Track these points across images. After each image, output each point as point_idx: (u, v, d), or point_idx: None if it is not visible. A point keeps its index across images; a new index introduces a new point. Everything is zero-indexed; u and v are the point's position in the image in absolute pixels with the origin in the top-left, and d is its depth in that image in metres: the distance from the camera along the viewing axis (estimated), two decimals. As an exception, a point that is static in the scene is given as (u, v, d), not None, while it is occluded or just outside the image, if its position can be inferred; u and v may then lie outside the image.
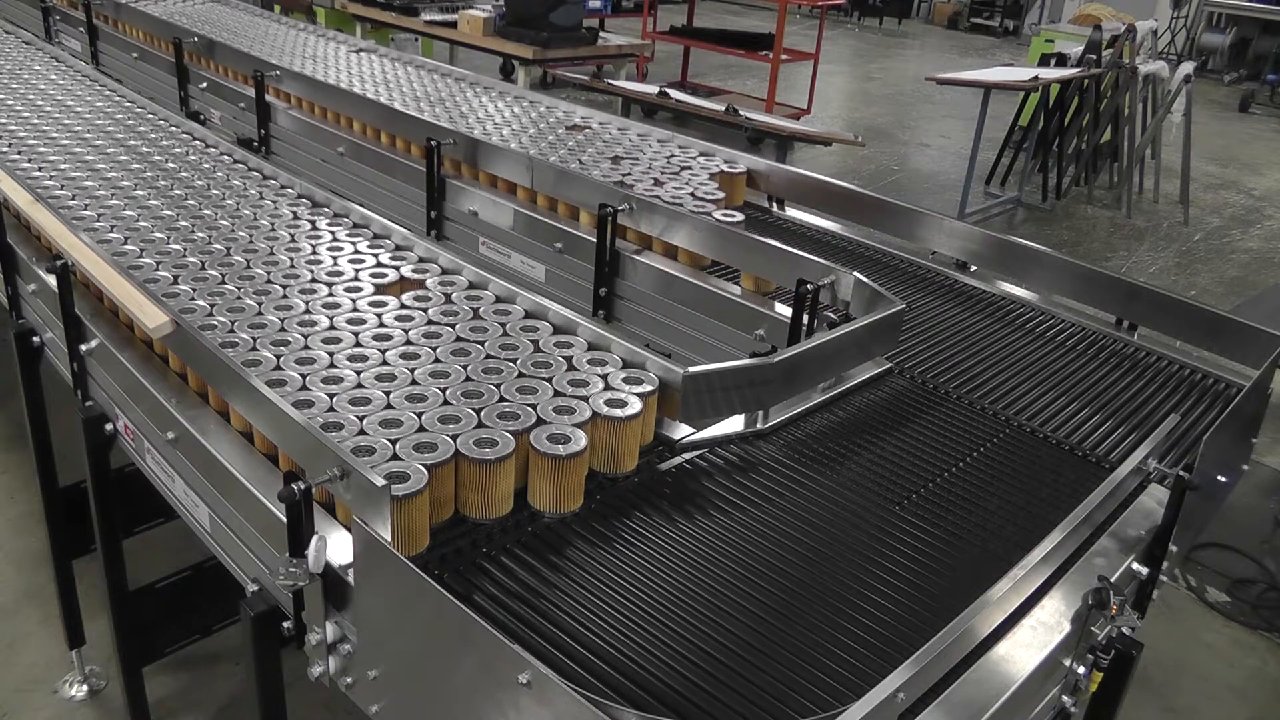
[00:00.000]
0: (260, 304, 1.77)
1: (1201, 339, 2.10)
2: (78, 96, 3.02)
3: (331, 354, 1.61)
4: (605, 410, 1.48)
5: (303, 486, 1.23)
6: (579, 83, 6.64)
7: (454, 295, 1.85)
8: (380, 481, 1.21)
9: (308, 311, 1.75)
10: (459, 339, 1.69)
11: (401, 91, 3.20)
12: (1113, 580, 1.34)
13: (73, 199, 2.19)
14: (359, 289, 1.86)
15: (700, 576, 1.32)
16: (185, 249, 1.98)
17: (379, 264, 1.97)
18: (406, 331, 1.70)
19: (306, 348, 1.63)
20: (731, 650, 1.20)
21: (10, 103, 2.87)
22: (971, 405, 1.85)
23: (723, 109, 5.67)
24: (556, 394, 1.52)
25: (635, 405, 1.49)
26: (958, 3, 17.36)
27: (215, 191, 2.31)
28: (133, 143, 2.62)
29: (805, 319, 1.83)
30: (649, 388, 1.54)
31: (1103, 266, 2.30)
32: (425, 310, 1.78)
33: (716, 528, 1.42)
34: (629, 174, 2.51)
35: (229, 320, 1.70)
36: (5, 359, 2.21)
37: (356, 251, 2.02)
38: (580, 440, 1.40)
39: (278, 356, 1.59)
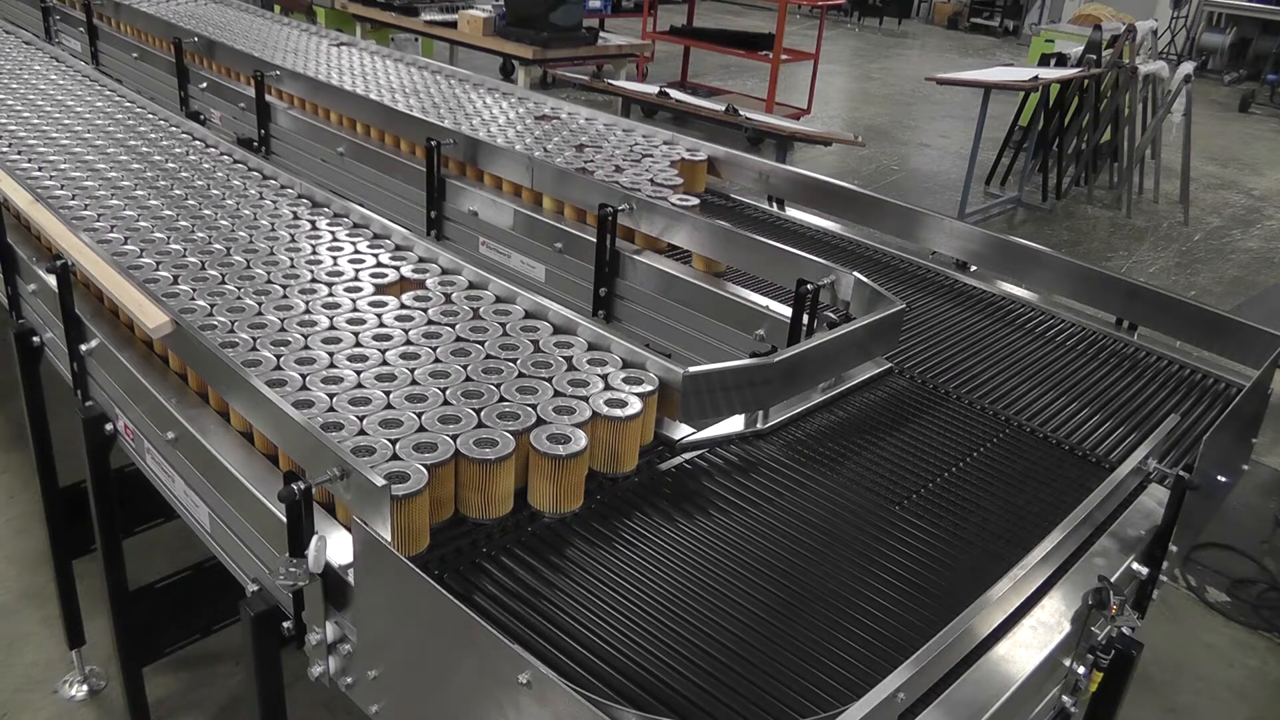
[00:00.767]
0: (260, 304, 1.76)
1: (1201, 339, 2.10)
2: (78, 96, 3.02)
3: (331, 354, 1.61)
4: (605, 410, 1.48)
5: (303, 486, 1.23)
6: (579, 83, 6.64)
7: (454, 295, 1.85)
8: (380, 481, 1.21)
9: (308, 311, 1.75)
10: (459, 339, 1.68)
11: (378, 83, 3.23)
12: (1113, 580, 1.34)
13: (72, 199, 2.19)
14: (359, 289, 1.86)
15: (700, 576, 1.32)
16: (185, 249, 1.98)
17: (379, 264, 1.97)
18: (406, 331, 1.70)
19: (307, 348, 1.63)
20: (731, 650, 1.20)
21: (10, 103, 2.87)
22: (971, 405, 1.85)
23: (723, 109, 5.67)
24: (556, 394, 1.52)
25: (635, 405, 1.49)
26: (958, 3, 17.36)
27: (215, 191, 2.31)
28: (133, 143, 2.62)
29: (805, 319, 1.83)
30: (649, 388, 1.54)
31: (1103, 266, 2.30)
32: (425, 310, 1.78)
33: (716, 528, 1.42)
34: (591, 161, 2.57)
35: (229, 320, 1.69)
36: (5, 359, 2.21)
37: (356, 251, 2.02)
38: (580, 440, 1.40)
39: (278, 356, 1.59)
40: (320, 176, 2.86)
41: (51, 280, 1.88)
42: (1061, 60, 7.53)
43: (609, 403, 1.49)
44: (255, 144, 3.10)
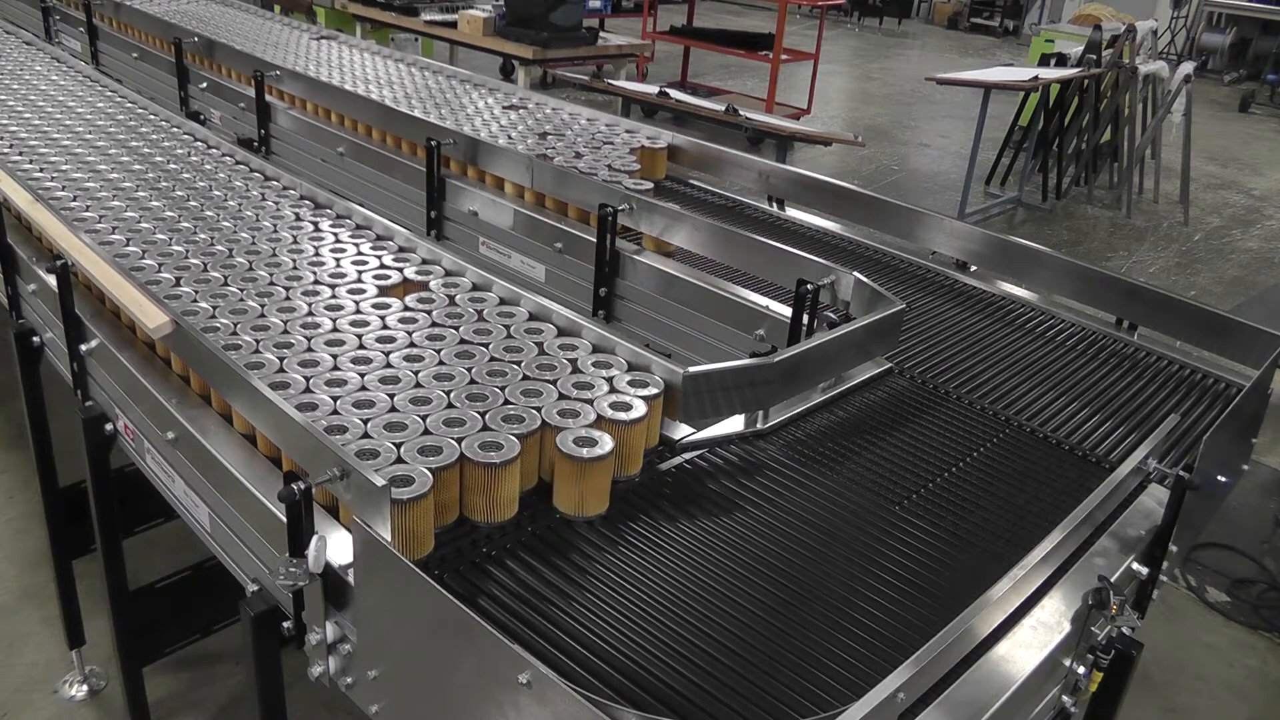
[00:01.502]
0: (263, 306, 1.76)
1: (1201, 339, 2.11)
2: (78, 97, 3.01)
3: (335, 356, 1.60)
4: (611, 414, 1.47)
5: (303, 486, 1.23)
6: (579, 83, 6.64)
7: (458, 297, 1.84)
8: (380, 481, 1.21)
9: (311, 313, 1.75)
10: (463, 341, 1.68)
11: (354, 75, 3.28)
12: (1113, 580, 1.34)
13: (74, 200, 2.19)
14: (362, 290, 1.86)
15: (700, 576, 1.32)
16: (187, 250, 1.97)
17: (382, 265, 1.96)
18: (410, 334, 1.70)
19: (310, 350, 1.62)
20: (731, 650, 1.20)
21: (11, 103, 2.87)
22: (971, 405, 1.85)
23: (723, 109, 5.67)
24: (562, 397, 1.52)
25: (641, 408, 1.49)
26: (958, 3, 17.36)
27: (217, 193, 2.31)
28: (134, 143, 2.62)
29: (805, 319, 1.83)
30: (654, 390, 1.54)
31: (1103, 266, 2.30)
32: (429, 312, 1.78)
33: (716, 528, 1.42)
34: (553, 148, 2.66)
35: (231, 322, 1.69)
36: (5, 359, 2.21)
37: (359, 253, 2.02)
38: (606, 444, 1.40)
39: (280, 359, 1.58)
40: (320, 176, 2.86)
41: (51, 280, 1.88)
42: (1061, 60, 7.53)
43: (614, 406, 1.49)
44: (255, 144, 3.10)
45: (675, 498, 1.49)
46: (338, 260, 1.98)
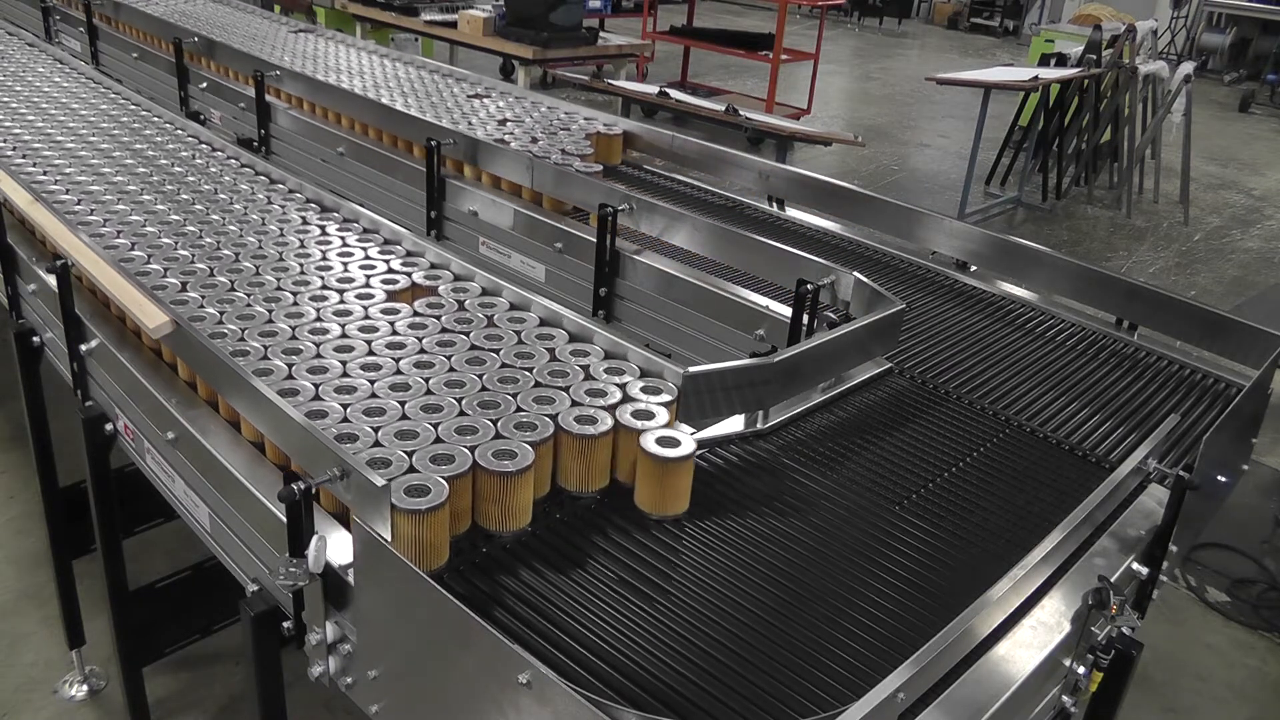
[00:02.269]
0: (270, 311, 1.75)
1: (1201, 339, 2.11)
2: (82, 99, 3.00)
3: (344, 362, 1.59)
4: (632, 423, 1.46)
5: (303, 486, 1.23)
6: (579, 83, 6.64)
7: (467, 302, 1.83)
8: (380, 481, 1.21)
9: (319, 319, 1.74)
10: (474, 347, 1.67)
11: (327, 65, 3.36)
12: (1113, 580, 1.34)
13: (78, 203, 2.18)
14: (370, 295, 1.84)
15: (700, 576, 1.32)
16: (193, 254, 1.96)
17: (390, 270, 1.95)
18: (420, 340, 1.68)
19: (319, 356, 1.61)
20: (731, 650, 1.20)
21: (14, 105, 2.86)
22: (971, 405, 1.85)
23: (723, 109, 5.67)
24: (575, 404, 1.50)
25: (663, 415, 1.49)
26: (958, 3, 17.36)
27: (223, 196, 2.30)
28: (138, 146, 2.61)
29: (805, 319, 1.83)
30: (669, 397, 1.53)
31: (1103, 266, 2.30)
32: (439, 318, 1.77)
33: (716, 528, 1.42)
34: (512, 133, 2.77)
35: (239, 328, 1.68)
36: (5, 359, 2.21)
37: (367, 257, 2.00)
38: (689, 445, 1.42)
39: (289, 366, 1.57)
40: (320, 176, 2.86)
41: (51, 280, 1.88)
42: (1061, 60, 7.53)
43: (636, 414, 1.48)
44: (255, 144, 3.10)
45: (675, 498, 1.49)
46: (345, 265, 1.96)
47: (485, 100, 3.18)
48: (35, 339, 2.14)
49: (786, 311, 1.87)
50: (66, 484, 2.35)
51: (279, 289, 1.85)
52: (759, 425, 1.68)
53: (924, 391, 1.88)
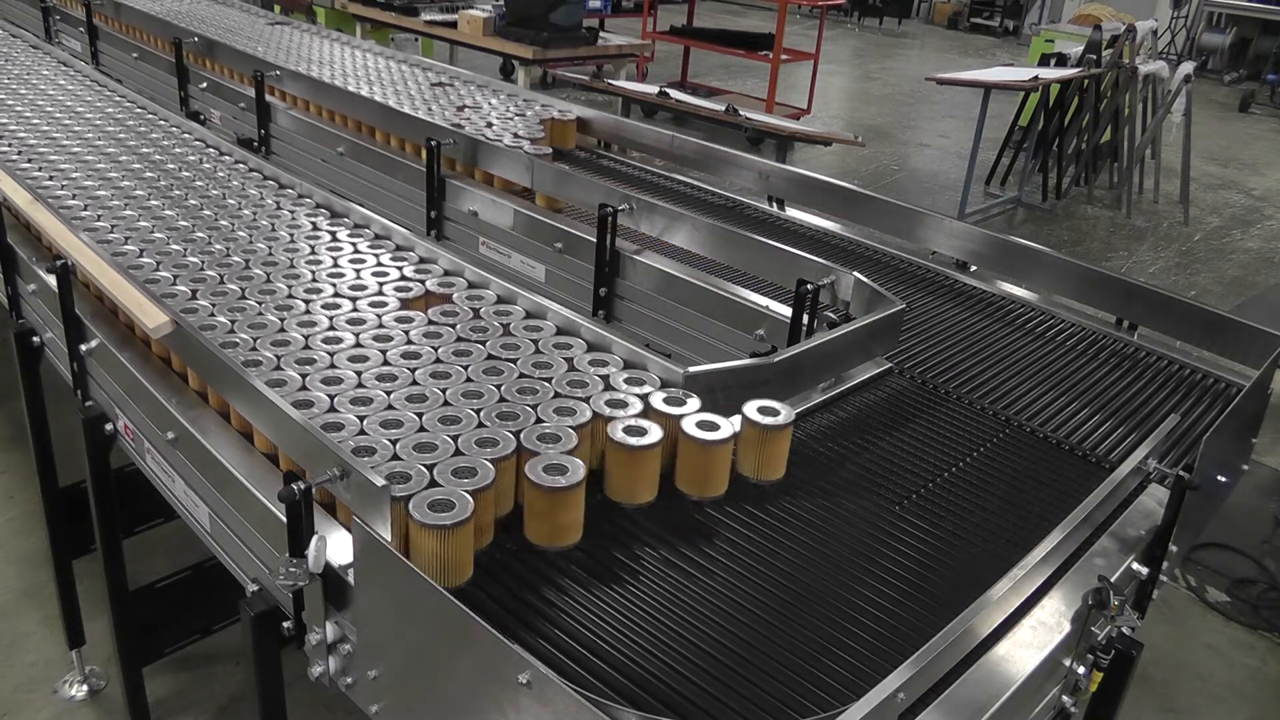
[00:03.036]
0: (282, 320, 1.72)
1: (1201, 339, 2.11)
2: (87, 102, 2.99)
3: (359, 373, 1.57)
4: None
5: (303, 486, 1.23)
6: (579, 83, 6.64)
7: (482, 310, 1.81)
8: (380, 481, 1.21)
9: (332, 328, 1.71)
10: (490, 356, 1.64)
11: (300, 55, 3.43)
12: (1113, 580, 1.34)
13: (84, 208, 2.16)
14: (384, 304, 1.82)
15: (700, 576, 1.32)
16: (203, 261, 1.94)
17: (403, 277, 1.93)
18: (436, 349, 1.66)
19: (333, 366, 1.59)
20: (731, 650, 1.20)
21: (20, 109, 2.84)
22: (971, 405, 1.85)
23: (723, 109, 5.68)
24: (596, 416, 1.47)
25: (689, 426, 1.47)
26: (958, 3, 17.36)
27: (231, 201, 2.27)
28: (145, 150, 2.58)
29: (805, 319, 1.83)
30: (695, 406, 1.51)
31: (1103, 266, 2.30)
32: (454, 326, 1.74)
33: (716, 528, 1.42)
34: (469, 119, 2.88)
35: (251, 337, 1.66)
36: (5, 359, 2.21)
37: (379, 264, 1.98)
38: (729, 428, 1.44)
39: (304, 376, 1.55)
40: (320, 176, 2.86)
41: (51, 280, 1.88)
42: (1061, 60, 7.53)
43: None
44: (255, 144, 3.10)
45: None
46: (358, 272, 1.94)
47: (447, 88, 3.30)
48: (35, 339, 2.14)
49: (786, 311, 1.87)
50: (66, 484, 2.35)
51: (290, 297, 1.81)
52: (759, 425, 1.68)
53: (924, 391, 1.88)
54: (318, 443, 1.30)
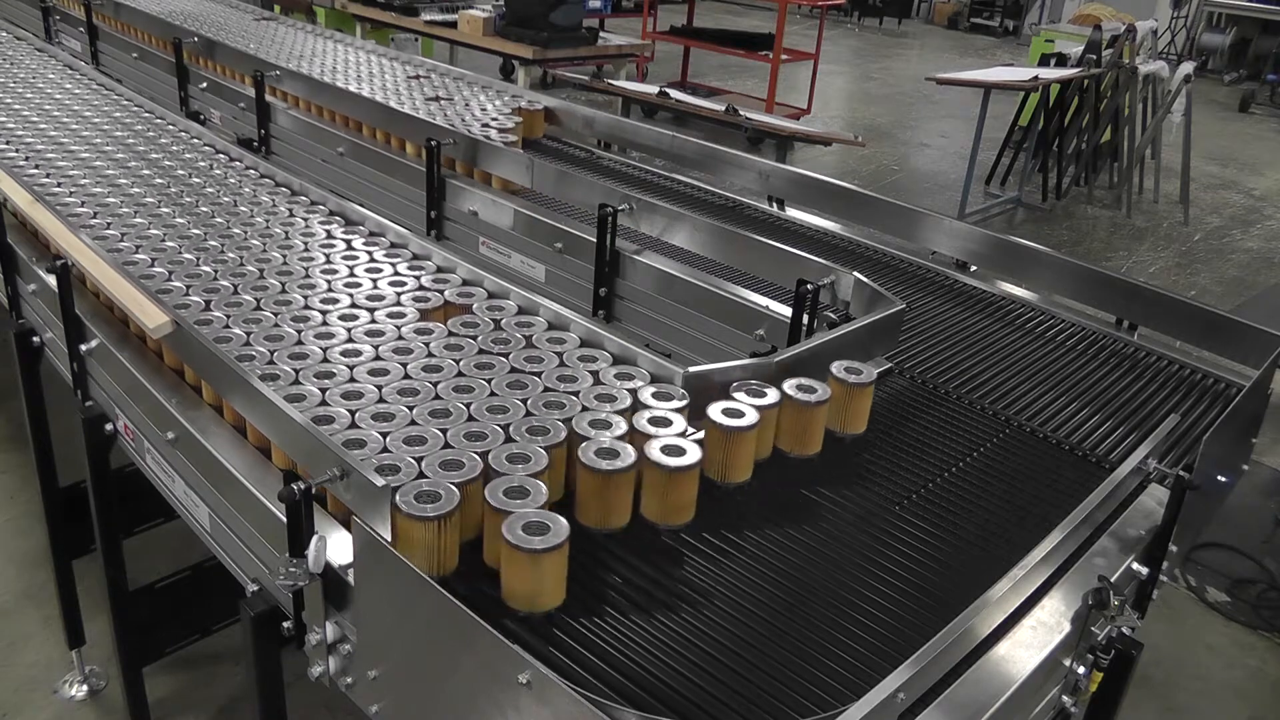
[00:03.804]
0: (299, 332, 1.69)
1: (1201, 339, 2.11)
2: (95, 107, 2.96)
3: (380, 387, 1.53)
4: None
5: (303, 486, 1.23)
6: (579, 83, 6.64)
7: (504, 321, 1.77)
8: (380, 481, 1.21)
9: (350, 339, 1.69)
10: (514, 369, 1.61)
11: (281, 48, 3.48)
12: (1113, 580, 1.34)
13: (93, 216, 2.13)
14: (402, 314, 1.78)
15: (700, 576, 1.32)
16: (216, 271, 1.90)
17: (421, 287, 1.89)
18: (458, 362, 1.62)
19: (353, 380, 1.55)
20: (731, 650, 1.20)
21: (27, 113, 2.81)
22: (971, 405, 1.85)
23: (723, 109, 5.68)
24: (633, 430, 1.44)
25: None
26: (958, 3, 17.36)
27: (244, 209, 2.24)
28: (154, 155, 2.56)
29: (805, 319, 1.83)
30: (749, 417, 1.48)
31: (1103, 266, 2.30)
32: (475, 338, 1.71)
33: (716, 528, 1.42)
34: (442, 110, 2.98)
35: (268, 350, 1.63)
36: (5, 359, 2.21)
37: (396, 273, 1.95)
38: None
39: (323, 391, 1.52)
40: (320, 176, 2.86)
41: (51, 280, 1.88)
42: (1061, 60, 7.53)
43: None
44: (255, 144, 3.10)
45: (675, 498, 1.48)
46: (375, 281, 1.91)
47: (423, 80, 3.39)
48: (35, 339, 2.14)
49: (786, 311, 1.87)
50: (66, 484, 2.35)
51: (307, 308, 1.78)
52: (759, 425, 1.68)
53: (924, 391, 1.88)
54: (317, 442, 1.30)
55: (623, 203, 2.19)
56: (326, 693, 1.32)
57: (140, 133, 2.75)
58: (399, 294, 1.87)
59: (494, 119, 2.92)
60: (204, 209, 2.22)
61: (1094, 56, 7.21)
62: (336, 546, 1.28)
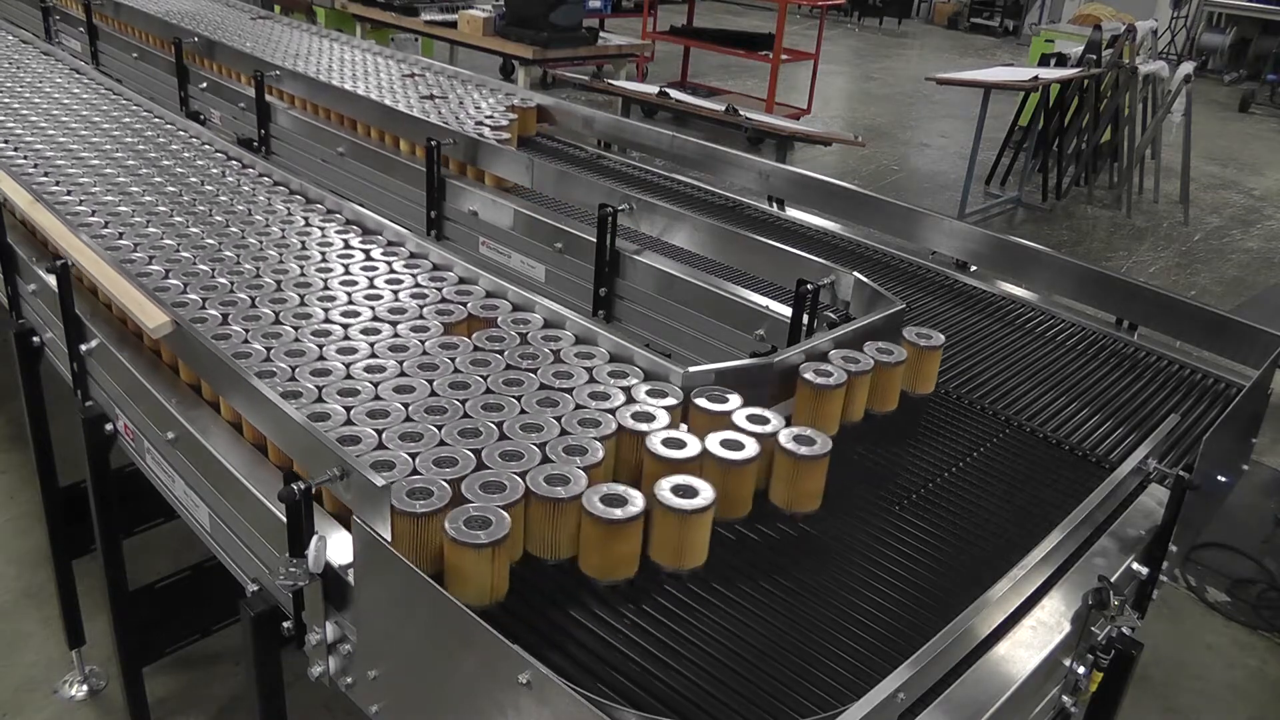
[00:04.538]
0: (320, 346, 1.65)
1: (1201, 339, 2.11)
2: (103, 112, 2.93)
3: (407, 405, 1.48)
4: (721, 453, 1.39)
5: (303, 486, 1.23)
6: (579, 83, 6.64)
7: (530, 335, 1.72)
8: (380, 481, 1.21)
9: (373, 354, 1.64)
10: (543, 386, 1.56)
11: (274, 46, 3.50)
12: (1113, 580, 1.34)
13: (105, 225, 2.10)
14: (425, 328, 1.74)
15: (700, 576, 1.32)
16: (232, 283, 1.86)
17: (444, 299, 1.85)
18: (485, 379, 1.57)
19: (378, 399, 1.50)
20: (731, 650, 1.20)
21: (34, 118, 2.79)
22: (971, 405, 1.85)
23: (723, 109, 5.68)
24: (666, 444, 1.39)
25: (752, 449, 1.41)
26: (958, 3, 17.36)
27: (259, 217, 2.20)
28: (153, 155, 2.56)
29: (805, 319, 1.83)
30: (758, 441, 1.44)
31: (1103, 266, 2.30)
32: (501, 353, 1.65)
33: (715, 528, 1.42)
34: (437, 108, 2.99)
35: (289, 366, 1.58)
36: (5, 359, 2.21)
37: (417, 284, 1.90)
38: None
39: (348, 410, 1.46)
40: (320, 176, 2.86)
41: (51, 280, 1.88)
42: (1061, 60, 7.53)
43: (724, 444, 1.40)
44: (255, 144, 3.10)
45: (675, 498, 1.48)
46: (396, 293, 1.86)
47: (417, 79, 3.41)
48: (35, 339, 2.14)
49: (786, 311, 1.87)
50: (66, 484, 2.35)
51: (327, 321, 1.75)
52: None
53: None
54: (317, 442, 1.30)
55: (623, 203, 2.19)
56: (326, 693, 1.33)
57: (141, 133, 2.75)
58: (421, 306, 1.81)
59: (489, 116, 2.93)
60: (203, 208, 2.22)
61: (1094, 56, 7.21)
62: (336, 546, 1.28)
